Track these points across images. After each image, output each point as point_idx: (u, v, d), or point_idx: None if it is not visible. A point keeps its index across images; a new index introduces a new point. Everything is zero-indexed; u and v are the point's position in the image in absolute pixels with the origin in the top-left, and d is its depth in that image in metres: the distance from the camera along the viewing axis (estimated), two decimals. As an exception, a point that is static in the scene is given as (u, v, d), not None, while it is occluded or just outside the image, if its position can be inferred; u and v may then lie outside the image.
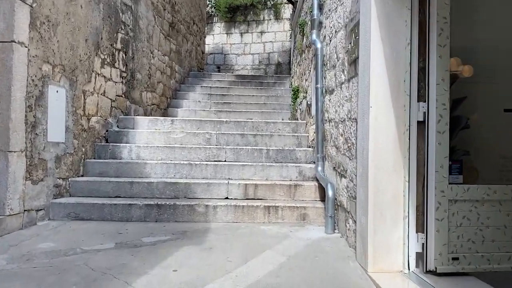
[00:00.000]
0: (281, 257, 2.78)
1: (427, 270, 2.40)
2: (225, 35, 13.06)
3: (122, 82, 5.38)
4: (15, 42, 3.22)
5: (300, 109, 6.09)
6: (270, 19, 12.75)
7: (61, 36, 3.83)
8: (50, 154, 3.72)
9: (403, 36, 2.52)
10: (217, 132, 5.14)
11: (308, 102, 5.30)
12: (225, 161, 4.73)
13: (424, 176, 2.47)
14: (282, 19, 12.62)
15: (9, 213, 3.19)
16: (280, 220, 3.79)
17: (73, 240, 3.09)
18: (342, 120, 3.35)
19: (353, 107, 2.97)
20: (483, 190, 2.44)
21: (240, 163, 4.52)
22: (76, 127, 4.19)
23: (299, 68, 6.63)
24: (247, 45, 12.85)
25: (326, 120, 4.02)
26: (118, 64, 5.25)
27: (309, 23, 4.87)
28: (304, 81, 5.94)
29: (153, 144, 4.91)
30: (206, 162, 4.53)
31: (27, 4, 3.33)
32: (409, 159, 2.50)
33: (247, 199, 4.08)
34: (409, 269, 2.45)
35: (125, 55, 5.46)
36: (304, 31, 5.81)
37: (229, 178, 4.39)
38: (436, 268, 2.37)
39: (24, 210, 3.38)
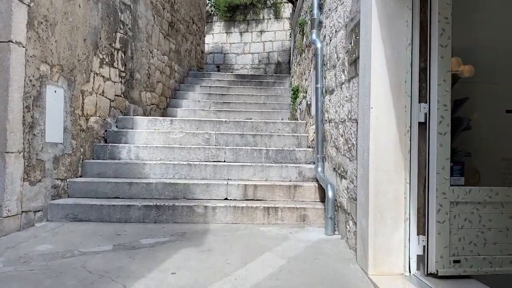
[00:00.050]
0: (281, 259, 2.75)
1: (428, 273, 2.37)
2: (225, 34, 13.03)
3: (121, 82, 5.36)
4: (13, 42, 3.19)
5: (300, 109, 6.06)
6: (270, 18, 12.71)
7: (59, 36, 3.80)
8: (48, 154, 3.69)
9: (404, 36, 2.49)
10: (217, 132, 5.11)
11: (308, 102, 5.27)
12: (224, 161, 4.71)
13: (425, 178, 2.44)
14: (281, 18, 12.59)
15: (6, 215, 3.17)
16: (279, 221, 3.77)
17: (71, 241, 3.07)
18: (342, 120, 3.32)
19: (354, 108, 2.94)
20: (485, 192, 2.42)
21: (240, 164, 4.50)
22: (74, 127, 4.16)
23: (299, 67, 6.60)
24: (247, 45, 12.82)
25: (326, 121, 3.99)
26: (117, 63, 5.22)
27: (309, 22, 4.84)
28: (304, 80, 5.92)
29: (152, 145, 4.89)
30: (205, 163, 4.50)
31: (24, 3, 3.30)
32: (410, 160, 2.47)
33: (246, 200, 4.06)
34: (410, 272, 2.43)
35: (124, 54, 5.43)
36: (304, 31, 5.78)
37: (228, 179, 4.36)
38: (437, 271, 2.34)
39: (22, 212, 3.35)
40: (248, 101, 7.45)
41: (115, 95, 5.20)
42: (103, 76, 4.83)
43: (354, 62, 2.94)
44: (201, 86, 8.32)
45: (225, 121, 5.45)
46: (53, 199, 3.77)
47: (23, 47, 3.31)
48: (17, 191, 3.28)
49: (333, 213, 3.47)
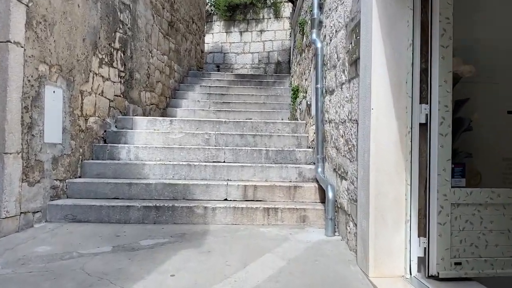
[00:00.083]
0: (281, 260, 2.74)
1: (429, 275, 2.35)
2: (225, 33, 13.00)
3: (120, 81, 5.34)
4: (11, 42, 3.17)
5: (300, 109, 6.04)
6: (270, 18, 12.69)
7: (58, 36, 3.78)
8: (47, 155, 3.67)
9: (405, 36, 2.47)
10: (216, 132, 5.09)
11: (308, 102, 5.25)
12: (224, 162, 4.69)
13: (426, 179, 2.42)
14: (281, 17, 12.56)
15: (5, 216, 3.15)
16: (279, 222, 3.75)
17: (70, 243, 3.05)
18: (342, 121, 3.30)
19: (354, 108, 2.93)
20: (486, 193, 2.40)
21: (239, 164, 4.48)
22: (73, 127, 4.14)
23: (299, 67, 6.58)
24: (247, 44, 12.80)
25: (326, 121, 3.98)
26: (116, 63, 5.20)
27: (309, 22, 4.82)
28: (304, 80, 5.90)
29: (151, 145, 4.87)
30: (205, 163, 4.48)
31: (23, 3, 3.28)
32: (411, 162, 2.46)
33: (246, 200, 4.04)
34: (410, 274, 2.41)
35: (124, 54, 5.41)
36: (304, 30, 5.76)
37: (228, 179, 4.34)
38: (438, 273, 2.32)
39: (21, 213, 3.33)
40: (248, 101, 7.44)
41: (115, 95, 5.19)
42: (102, 76, 4.81)
43: (355, 63, 2.92)
44: (200, 86, 8.30)
45: (225, 121, 5.43)
46: (52, 200, 3.76)
47: (22, 47, 3.29)
48: (16, 192, 3.27)
49: (333, 214, 3.46)
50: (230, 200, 4.03)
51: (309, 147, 5.00)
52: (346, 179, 3.19)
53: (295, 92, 6.58)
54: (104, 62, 4.82)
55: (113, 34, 5.06)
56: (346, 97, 3.18)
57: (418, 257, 2.42)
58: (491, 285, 2.28)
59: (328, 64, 3.92)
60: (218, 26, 13.08)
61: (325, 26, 4.11)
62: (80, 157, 4.32)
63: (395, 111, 2.46)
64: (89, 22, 4.39)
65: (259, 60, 12.64)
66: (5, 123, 3.14)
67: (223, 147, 4.80)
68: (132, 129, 5.21)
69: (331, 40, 3.82)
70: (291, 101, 6.89)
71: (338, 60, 3.48)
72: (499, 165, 2.77)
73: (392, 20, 2.47)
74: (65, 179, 3.99)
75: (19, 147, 3.29)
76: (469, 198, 2.38)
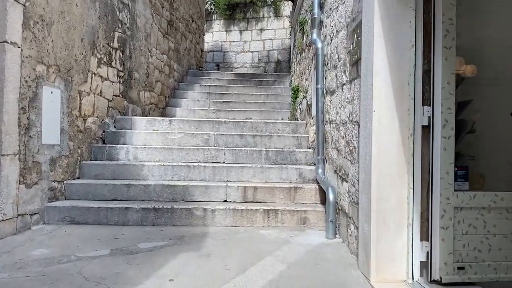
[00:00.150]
0: (281, 264, 2.70)
1: (432, 279, 2.32)
2: (224, 32, 12.94)
3: (119, 81, 5.29)
4: (8, 42, 3.13)
5: (300, 108, 6.00)
6: (270, 17, 12.63)
7: (55, 36, 3.74)
8: (44, 156, 3.63)
9: (407, 37, 2.43)
10: (216, 132, 5.05)
11: (308, 102, 5.21)
12: (223, 162, 4.65)
13: (428, 183, 2.39)
14: (281, 16, 12.50)
15: (2, 218, 3.12)
16: (279, 224, 3.72)
17: (68, 245, 3.02)
18: (343, 122, 3.27)
19: (355, 110, 2.89)
20: (489, 197, 2.36)
21: (239, 165, 4.44)
22: (71, 128, 4.10)
23: (299, 66, 6.53)
24: (247, 43, 12.74)
25: (326, 122, 3.94)
26: (115, 63, 5.15)
27: (310, 21, 4.78)
28: (304, 80, 5.85)
29: (150, 145, 4.83)
30: (204, 164, 4.45)
31: (20, 3, 3.24)
32: (413, 165, 2.42)
33: (246, 202, 4.00)
34: (413, 279, 2.38)
35: (123, 54, 5.37)
36: (304, 30, 5.71)
37: (227, 181, 4.31)
38: (441, 277, 2.29)
39: (18, 215, 3.30)
40: (247, 100, 7.39)
41: (113, 95, 5.14)
42: (101, 76, 4.76)
43: (356, 63, 2.88)
44: (200, 85, 8.26)
45: (225, 121, 5.39)
46: (50, 202, 3.72)
47: (19, 47, 3.25)
48: (13, 194, 3.23)
49: (334, 216, 3.42)
50: (230, 202, 3.99)
51: (310, 148, 4.96)
52: (347, 181, 3.15)
53: (295, 91, 6.54)
54: (102, 62, 4.78)
55: (111, 33, 5.01)
56: (347, 98, 3.14)
57: (420, 261, 2.39)
58: (494, 290, 2.25)
59: (329, 65, 3.88)
60: (218, 24, 13.02)
61: (326, 26, 4.07)
62: (79, 158, 4.29)
63: (397, 113, 2.43)
64: (87, 22, 4.35)
65: (259, 59, 12.59)
66: (2, 124, 3.10)
67: (223, 148, 4.76)
68: (131, 129, 5.17)
69: (331, 40, 3.78)
70: (291, 100, 6.84)
71: (339, 61, 3.44)
72: (502, 168, 2.73)
73: (394, 21, 2.43)
74: (63, 181, 3.96)
75: (16, 148, 3.26)
76: (472, 202, 2.35)
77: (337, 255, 2.94)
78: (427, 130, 2.40)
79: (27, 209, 3.40)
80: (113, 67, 5.10)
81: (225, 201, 4.01)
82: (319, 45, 4.14)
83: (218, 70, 11.69)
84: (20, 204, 3.32)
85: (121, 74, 5.35)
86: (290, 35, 11.08)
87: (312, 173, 4.36)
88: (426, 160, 2.41)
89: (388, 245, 2.40)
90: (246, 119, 6.41)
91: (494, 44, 2.88)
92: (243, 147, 4.91)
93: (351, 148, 3.01)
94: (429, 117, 2.39)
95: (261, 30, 12.65)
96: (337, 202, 3.48)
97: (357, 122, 2.81)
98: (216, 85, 8.28)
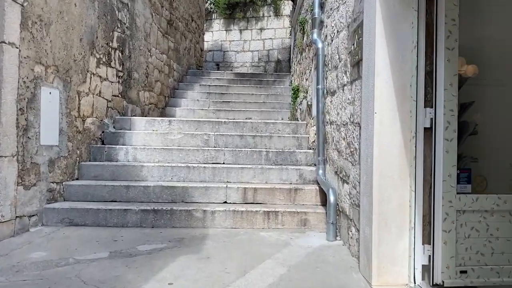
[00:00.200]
0: (281, 267, 2.68)
1: (434, 283, 2.30)
2: (224, 32, 12.90)
3: (118, 81, 5.26)
4: (5, 43, 3.10)
5: (300, 109, 5.97)
6: (270, 16, 12.59)
7: (54, 36, 3.70)
8: (43, 158, 3.61)
9: (409, 38, 2.40)
10: (216, 133, 5.02)
11: (309, 103, 5.18)
12: (223, 163, 4.63)
13: (431, 185, 2.37)
14: (282, 15, 12.46)
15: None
16: (280, 225, 3.69)
17: (66, 248, 2.99)
18: (344, 123, 3.24)
19: (356, 111, 2.86)
20: (492, 200, 2.34)
21: (239, 166, 4.41)
22: (70, 129, 4.07)
23: (299, 66, 6.50)
24: (247, 42, 12.71)
25: (327, 122, 3.91)
26: (114, 63, 5.12)
27: (310, 21, 4.74)
28: (304, 80, 5.82)
29: (150, 146, 4.80)
30: (204, 165, 4.42)
31: (18, 3, 3.21)
32: (415, 167, 2.39)
33: (246, 203, 3.98)
34: (415, 283, 2.35)
35: (122, 54, 5.34)
36: (305, 29, 5.68)
37: (227, 182, 4.28)
38: (443, 281, 2.27)
39: (16, 217, 3.27)
40: (247, 100, 7.37)
41: (113, 95, 5.11)
42: (100, 76, 4.73)
43: (357, 64, 2.85)
44: (200, 85, 8.23)
45: (224, 121, 5.35)
46: (49, 203, 3.69)
47: (17, 48, 3.22)
48: (11, 195, 3.20)
49: (334, 218, 3.40)
50: (230, 203, 3.96)
51: (310, 148, 4.94)
52: (348, 183, 3.13)
53: (296, 91, 6.51)
54: (101, 62, 4.75)
55: (111, 33, 4.98)
56: (348, 99, 3.11)
57: (422, 265, 2.36)
58: (497, 294, 2.22)
59: (329, 65, 3.85)
60: (217, 24, 12.99)
61: (326, 26, 4.04)
62: (77, 159, 4.26)
63: (399, 115, 2.40)
64: (86, 22, 4.32)
65: (259, 59, 12.55)
66: (0, 125, 3.07)
67: (223, 148, 4.73)
68: (130, 129, 5.14)
69: (332, 41, 3.75)
70: (292, 100, 6.81)
71: (340, 61, 3.41)
72: (505, 171, 2.70)
73: (396, 21, 2.40)
74: (62, 182, 3.93)
75: (14, 150, 3.23)
76: (475, 205, 2.33)
77: (338, 258, 2.92)
78: (429, 132, 2.37)
79: (25, 211, 3.38)
80: (112, 67, 5.06)
81: (225, 202, 3.99)
82: (320, 45, 4.11)
83: (218, 70, 11.66)
84: (18, 206, 3.29)
85: (120, 74, 5.32)
86: (290, 35, 11.04)
87: (312, 174, 4.33)
88: (428, 162, 2.38)
89: (390, 248, 2.38)
90: (246, 119, 6.39)
91: (494, 44, 2.86)
92: (243, 147, 4.89)
93: (352, 149, 2.98)
94: (431, 119, 2.36)
95: (261, 29, 12.62)
96: (338, 204, 3.45)
97: (358, 123, 2.78)
98: (216, 85, 8.25)
